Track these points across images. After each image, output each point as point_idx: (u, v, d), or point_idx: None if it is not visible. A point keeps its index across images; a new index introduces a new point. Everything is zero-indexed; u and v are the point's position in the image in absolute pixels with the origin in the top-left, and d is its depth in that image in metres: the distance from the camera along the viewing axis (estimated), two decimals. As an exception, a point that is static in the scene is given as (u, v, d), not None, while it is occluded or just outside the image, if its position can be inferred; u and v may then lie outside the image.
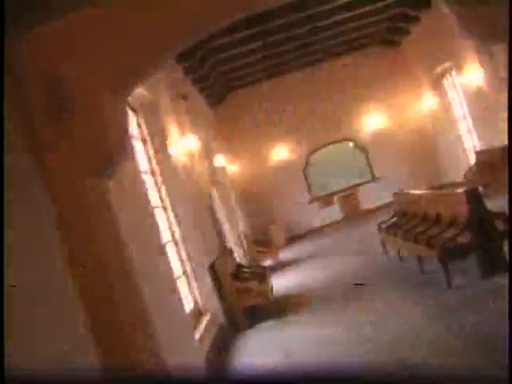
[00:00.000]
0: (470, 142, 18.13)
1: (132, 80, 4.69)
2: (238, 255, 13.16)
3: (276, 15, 13.94)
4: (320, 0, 14.22)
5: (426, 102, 19.63)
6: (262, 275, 10.48)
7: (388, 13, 16.94)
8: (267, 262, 14.85)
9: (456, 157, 18.87)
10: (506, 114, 12.89)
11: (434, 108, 19.31)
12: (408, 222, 10.22)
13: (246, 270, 11.35)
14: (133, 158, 6.92)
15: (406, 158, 20.32)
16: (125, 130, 4.51)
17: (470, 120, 17.39)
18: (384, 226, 11.33)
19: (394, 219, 11.40)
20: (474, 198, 7.56)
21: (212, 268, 9.27)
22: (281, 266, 14.25)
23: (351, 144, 20.95)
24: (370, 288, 9.21)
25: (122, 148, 4.48)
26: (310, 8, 14.35)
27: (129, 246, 4.49)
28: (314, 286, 10.93)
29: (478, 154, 16.59)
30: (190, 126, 11.10)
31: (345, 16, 15.74)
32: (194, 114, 13.37)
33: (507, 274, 7.17)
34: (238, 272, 10.63)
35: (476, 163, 16.56)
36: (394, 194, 11.85)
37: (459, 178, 18.44)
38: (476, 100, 15.95)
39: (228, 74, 17.51)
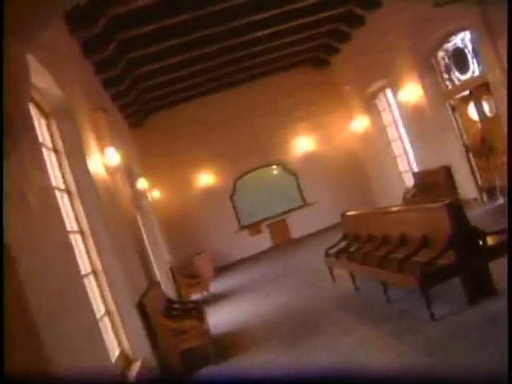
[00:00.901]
0: (406, 163, 17.41)
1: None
2: (166, 289, 11.58)
3: (201, 31, 12.87)
4: (248, 16, 13.16)
5: (358, 123, 18.83)
6: (198, 312, 8.98)
7: (319, 30, 16.04)
8: (197, 296, 13.33)
9: (390, 180, 18.09)
10: (445, 136, 11.98)
11: (367, 129, 18.51)
12: (364, 245, 9.04)
13: (177, 306, 9.81)
14: (41, 164, 5.38)
15: (338, 182, 19.41)
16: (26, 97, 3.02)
17: (406, 141, 16.66)
18: (333, 251, 10.15)
19: (343, 243, 10.23)
20: (457, 212, 6.44)
21: (140, 305, 7.70)
22: (214, 300, 12.75)
23: (281, 168, 19.83)
24: (328, 323, 7.88)
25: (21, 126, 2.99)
26: (235, 23, 13.29)
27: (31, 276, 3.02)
28: (256, 322, 9.47)
29: (416, 175, 15.83)
30: (110, 142, 9.55)
31: (274, 33, 14.76)
32: (115, 131, 11.83)
33: (500, 296, 6.13)
34: (169, 309, 9.08)
35: (415, 185, 15.80)
36: (343, 214, 10.67)
37: (396, 201, 17.68)
38: (413, 119, 15.22)
39: (150, 91, 16.03)
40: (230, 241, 18.57)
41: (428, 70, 13.81)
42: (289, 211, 19.50)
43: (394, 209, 9.16)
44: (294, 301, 10.14)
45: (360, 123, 18.77)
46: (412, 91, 14.60)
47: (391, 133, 17.76)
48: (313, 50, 18.22)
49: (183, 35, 12.70)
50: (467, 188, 13.56)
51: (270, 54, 16.76)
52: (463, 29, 12.05)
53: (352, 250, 9.42)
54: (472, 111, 13.15)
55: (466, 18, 11.47)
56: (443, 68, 13.49)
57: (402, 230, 7.71)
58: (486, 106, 12.51)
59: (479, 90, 12.43)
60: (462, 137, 13.57)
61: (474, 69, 12.32)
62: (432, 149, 14.50)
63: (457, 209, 6.46)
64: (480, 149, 13.16)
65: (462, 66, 12.70)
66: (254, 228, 19.15)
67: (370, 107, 18.13)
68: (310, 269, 12.90)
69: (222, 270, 17.85)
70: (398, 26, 14.11)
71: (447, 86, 13.57)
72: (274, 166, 19.93)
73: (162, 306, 8.64)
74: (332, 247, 10.36)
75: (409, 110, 15.14)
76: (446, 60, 13.25)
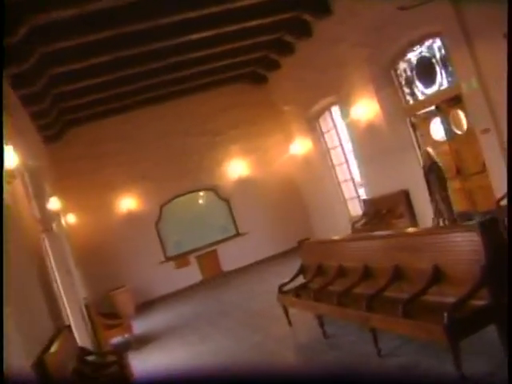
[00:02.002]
0: (353, 190, 15.88)
1: None
2: (80, 333, 9.30)
3: (130, 39, 11.38)
4: (181, 28, 11.73)
5: (298, 146, 17.22)
6: (121, 368, 6.83)
7: (259, 39, 14.39)
8: (118, 339, 11.09)
9: (334, 208, 16.48)
10: (403, 156, 10.41)
11: (308, 152, 16.91)
12: (334, 279, 7.21)
13: (93, 358, 7.60)
14: None
15: (275, 211, 17.63)
16: None
17: (355, 164, 15.12)
18: (288, 287, 8.30)
19: (305, 278, 8.41)
20: (494, 234, 4.69)
21: (39, 366, 5.40)
22: (138, 344, 10.56)
23: (212, 194, 17.88)
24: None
25: None
26: (167, 37, 11.94)
27: None
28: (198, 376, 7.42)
29: (367, 202, 14.28)
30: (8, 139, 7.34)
31: (209, 43, 13.09)
32: (22, 136, 9.62)
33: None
34: (82, 364, 6.85)
35: (365, 213, 14.23)
36: (302, 242, 8.83)
37: (340, 232, 16.07)
38: (365, 139, 13.69)
39: (69, 99, 13.80)
40: (155, 273, 16.31)
41: (386, 84, 12.32)
42: (220, 241, 17.50)
43: (385, 233, 7.38)
44: (242, 349, 8.10)
45: (300, 146, 17.18)
46: (366, 108, 13.08)
47: (336, 156, 16.21)
48: (251, 63, 16.53)
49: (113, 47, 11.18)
50: (429, 215, 12.02)
51: (205, 65, 14.95)
52: (433, 35, 10.63)
53: (316, 286, 7.58)
54: (437, 128, 11.75)
55: (437, 22, 10.07)
56: (404, 81, 12.06)
57: (396, 261, 5.91)
58: (453, 123, 11.12)
59: (447, 104, 11.03)
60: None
61: (442, 81, 10.92)
62: (387, 172, 12.97)
63: (494, 231, 4.70)
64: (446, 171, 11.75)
65: (428, 78, 11.27)
66: (181, 259, 17.01)
67: (313, 128, 16.54)
68: (250, 308, 11.07)
69: (146, 306, 15.59)
70: (352, 35, 12.64)
71: (408, 102, 12.13)
72: (204, 192, 17.94)
73: (73, 362, 6.42)
74: (287, 283, 8.51)
75: (361, 129, 13.59)
76: (408, 72, 11.82)
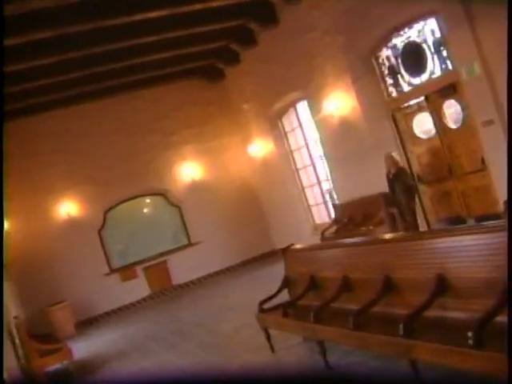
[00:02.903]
0: (320, 195, 14.53)
1: None
2: (8, 363, 7.51)
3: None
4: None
5: (257, 148, 15.78)
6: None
7: (218, 26, 12.97)
8: (56, 367, 9.28)
9: (297, 215, 15.08)
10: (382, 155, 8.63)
11: (270, 154, 15.49)
12: (338, 295, 5.74)
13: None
14: None
15: (232, 218, 16.09)
16: None
17: (324, 166, 13.78)
18: (270, 305, 6.81)
19: (290, 294, 6.91)
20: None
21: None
22: (80, 373, 8.81)
23: (163, 199, 16.21)
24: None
25: None
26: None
27: None
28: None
29: (339, 207, 12.94)
30: None
31: (163, 33, 11.82)
32: None
33: None
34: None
35: (336, 219, 12.88)
36: (286, 249, 7.31)
37: (305, 240, 14.72)
38: (338, 137, 12.38)
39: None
40: (98, 287, 14.40)
41: (365, 74, 11.08)
42: (170, 251, 15.79)
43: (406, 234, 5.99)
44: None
45: (260, 147, 15.74)
46: (340, 102, 11.80)
47: (300, 158, 14.84)
48: (209, 55, 15.04)
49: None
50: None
51: (159, 54, 13.40)
52: (426, 15, 9.39)
53: (312, 303, 6.10)
54: (424, 123, 10.54)
55: (432, 1, 8.85)
56: (387, 71, 10.79)
57: (441, 267, 4.50)
58: (446, 115, 9.90)
59: (439, 94, 9.81)
60: (406, 155, 10.89)
61: (434, 68, 9.68)
62: (364, 173, 11.65)
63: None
64: (434, 172, 10.54)
65: (416, 66, 10.03)
66: (127, 271, 15.22)
67: (275, 128, 15.14)
68: (215, 329, 9.47)
69: (89, 324, 13.79)
70: (325, 21, 11.40)
71: (391, 94, 10.87)
72: (153, 197, 16.28)
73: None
74: (268, 299, 7.00)
75: (333, 126, 12.26)
76: (393, 60, 10.55)
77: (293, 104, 14.29)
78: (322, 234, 12.68)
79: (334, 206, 13.20)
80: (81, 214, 14.91)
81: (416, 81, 10.21)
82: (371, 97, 11.06)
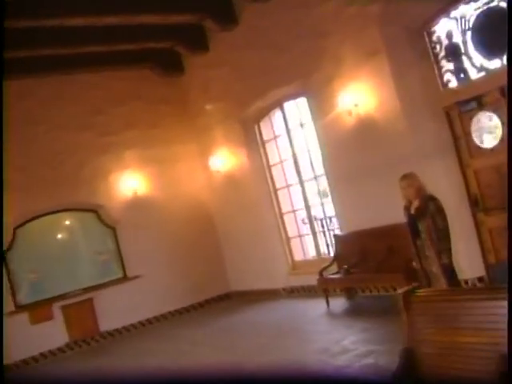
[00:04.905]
0: (303, 223, 11.33)
1: None
2: None
3: None
4: None
5: (222, 160, 12.42)
6: None
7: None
8: None
9: (272, 248, 11.76)
10: (426, 167, 5.65)
11: (239, 168, 12.15)
12: None
13: None
14: None
15: (181, 247, 12.59)
16: None
17: (316, 185, 10.62)
18: None
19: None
20: None
21: None
22: None
23: (92, 216, 12.40)
24: None
25: None
26: None
27: None
28: None
29: (343, 238, 9.74)
30: None
31: None
32: None
33: None
34: None
35: (337, 255, 9.66)
36: (409, 292, 3.92)
37: (279, 282, 11.48)
38: (346, 149, 9.30)
39: None
40: None
41: (411, 56, 8.07)
42: (99, 287, 11.90)
43: None
44: None
45: (225, 160, 12.39)
46: (363, 96, 8.73)
47: (282, 175, 11.61)
48: (167, 35, 11.67)
49: None
50: (463, 263, 7.60)
51: (100, 19, 9.94)
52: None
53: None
54: (490, 127, 7.61)
55: None
56: (443, 52, 7.83)
57: None
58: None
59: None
60: (462, 171, 7.90)
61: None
62: (389, 193, 8.53)
63: None
64: (500, 195, 7.52)
65: (498, 43, 7.10)
66: (39, 310, 11.19)
67: (250, 135, 11.87)
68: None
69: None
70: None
71: (447, 83, 7.90)
72: (80, 213, 12.40)
73: None
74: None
75: (347, 130, 9.14)
76: (456, 36, 7.60)
77: (279, 103, 11.09)
78: (321, 273, 9.42)
79: (336, 236, 9.95)
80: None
81: (494, 64, 7.28)
82: (420, 87, 8.02)
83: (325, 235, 11.27)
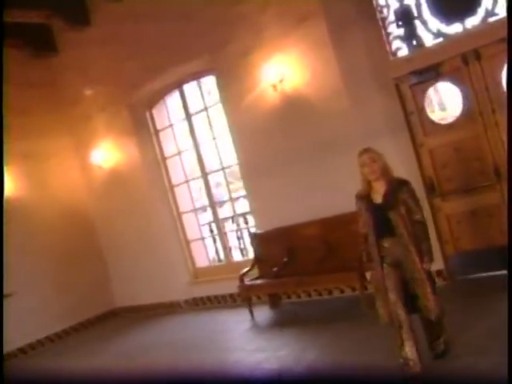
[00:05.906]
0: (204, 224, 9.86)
1: None
2: None
3: None
4: None
5: (105, 153, 10.62)
6: None
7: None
8: None
9: (167, 254, 10.13)
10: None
11: (127, 165, 10.41)
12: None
13: None
14: None
15: (57, 258, 10.57)
16: None
17: (224, 178, 9.20)
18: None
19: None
20: None
21: None
22: None
23: None
24: None
25: None
26: None
27: None
28: None
29: (262, 237, 8.37)
30: None
31: None
32: None
33: None
34: None
35: (257, 258, 8.29)
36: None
37: (176, 294, 9.93)
38: (268, 132, 7.99)
39: None
40: None
41: (354, 21, 6.92)
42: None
43: None
44: None
45: (109, 154, 10.61)
46: (292, 69, 7.51)
47: (181, 168, 10.06)
48: (40, 4, 9.71)
49: None
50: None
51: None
52: None
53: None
54: (450, 98, 6.73)
55: None
56: (393, 16, 6.80)
57: None
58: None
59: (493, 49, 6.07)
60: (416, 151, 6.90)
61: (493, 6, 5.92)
62: (327, 180, 7.38)
63: None
64: (461, 177, 6.61)
65: (456, 8, 6.20)
66: None
67: (141, 123, 10.20)
68: None
69: None
70: None
71: (396, 52, 6.87)
72: None
73: None
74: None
75: (270, 110, 7.83)
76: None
77: (178, 84, 9.54)
78: (241, 279, 7.99)
79: (254, 235, 8.52)
80: None
81: (454, 28, 6.33)
82: (361, 57, 6.89)
83: (237, 235, 9.86)
